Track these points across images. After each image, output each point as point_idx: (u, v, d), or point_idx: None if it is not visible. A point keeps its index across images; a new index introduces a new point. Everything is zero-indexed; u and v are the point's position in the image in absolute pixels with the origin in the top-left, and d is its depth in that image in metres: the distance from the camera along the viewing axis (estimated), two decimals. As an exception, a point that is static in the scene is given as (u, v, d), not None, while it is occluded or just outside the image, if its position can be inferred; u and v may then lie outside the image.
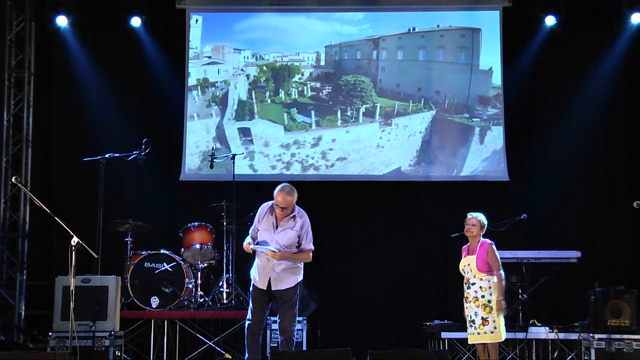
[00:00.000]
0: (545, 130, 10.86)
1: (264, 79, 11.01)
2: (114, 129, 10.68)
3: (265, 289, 7.47)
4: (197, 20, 11.16)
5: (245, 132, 10.88)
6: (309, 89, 10.93)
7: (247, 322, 7.57)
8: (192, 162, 10.81)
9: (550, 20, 10.67)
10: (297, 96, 10.94)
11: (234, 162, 9.61)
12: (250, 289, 7.68)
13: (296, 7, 11.24)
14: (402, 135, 10.66)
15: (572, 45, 10.76)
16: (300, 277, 7.60)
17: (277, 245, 7.39)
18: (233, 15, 11.30)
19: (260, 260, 7.53)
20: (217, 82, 11.05)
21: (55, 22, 10.68)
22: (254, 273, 7.59)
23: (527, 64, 10.88)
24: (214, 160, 9.71)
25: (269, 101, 10.97)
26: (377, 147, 10.74)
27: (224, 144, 10.85)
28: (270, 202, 7.57)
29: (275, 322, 9.02)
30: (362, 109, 10.76)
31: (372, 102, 10.78)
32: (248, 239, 7.57)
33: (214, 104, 11.01)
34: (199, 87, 11.05)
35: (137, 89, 11.07)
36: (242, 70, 11.01)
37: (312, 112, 10.81)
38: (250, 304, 7.60)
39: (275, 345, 8.85)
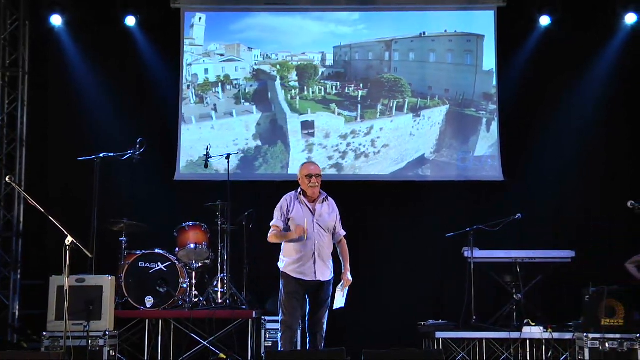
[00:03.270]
0: (542, 130, 10.92)
1: (279, 76, 11.18)
2: (109, 128, 10.71)
3: (308, 279, 7.33)
4: (200, 19, 11.24)
5: (307, 125, 11.12)
6: (332, 87, 11.18)
7: (280, 329, 7.44)
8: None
9: (545, 20, 10.74)
10: (324, 94, 11.17)
11: (228, 162, 9.65)
12: (282, 285, 7.47)
13: (294, 6, 11.36)
14: (427, 126, 11.15)
15: (568, 45, 10.81)
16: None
17: (318, 229, 7.37)
18: (231, 14, 11.39)
19: (300, 250, 7.36)
20: (238, 79, 11.18)
21: (50, 21, 10.72)
22: (290, 268, 7.41)
23: (522, 63, 10.96)
24: (209, 159, 9.76)
25: (297, 99, 11.15)
26: (410, 135, 11.15)
27: (280, 139, 11.08)
28: (292, 193, 7.52)
29: (270, 321, 9.12)
30: (395, 103, 11.13)
31: (404, 97, 11.11)
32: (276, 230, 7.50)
33: (244, 100, 11.11)
34: (219, 84, 11.15)
35: (132, 88, 11.10)
36: (256, 68, 11.18)
37: (359, 106, 11.14)
38: (286, 302, 7.39)
39: (270, 344, 8.93)
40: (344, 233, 7.62)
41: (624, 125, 10.91)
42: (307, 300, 7.49)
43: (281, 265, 7.50)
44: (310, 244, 7.35)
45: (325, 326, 7.47)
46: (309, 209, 7.42)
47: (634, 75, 10.85)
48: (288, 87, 11.16)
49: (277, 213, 7.51)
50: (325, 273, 7.41)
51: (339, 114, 11.11)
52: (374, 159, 11.09)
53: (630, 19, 10.57)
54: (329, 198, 7.57)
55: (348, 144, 11.09)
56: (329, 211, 7.48)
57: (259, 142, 11.06)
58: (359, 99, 11.13)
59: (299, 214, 7.41)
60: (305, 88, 11.16)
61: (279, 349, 7.50)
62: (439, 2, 11.24)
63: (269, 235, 7.53)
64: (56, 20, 10.71)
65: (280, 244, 7.54)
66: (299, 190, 7.49)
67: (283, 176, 10.71)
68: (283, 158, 11.02)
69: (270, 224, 7.54)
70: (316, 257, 7.35)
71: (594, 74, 10.86)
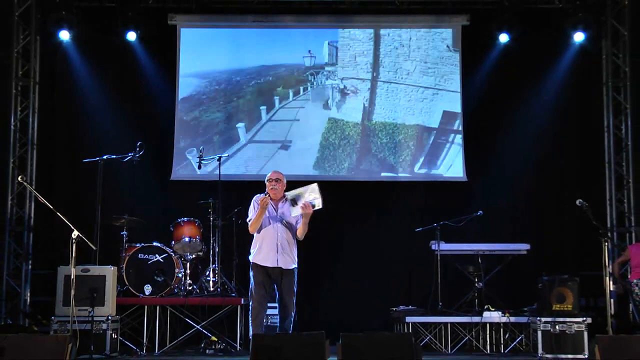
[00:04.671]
0: (501, 135, 10.98)
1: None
2: (111, 133, 10.73)
3: (271, 266, 7.53)
4: (197, 34, 11.36)
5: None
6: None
7: (250, 312, 7.59)
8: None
9: (504, 38, 10.80)
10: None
11: (219, 164, 9.70)
12: (252, 275, 7.64)
13: (278, 23, 11.36)
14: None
15: (524, 59, 10.91)
16: (296, 264, 7.71)
17: (279, 224, 7.57)
18: (223, 30, 11.42)
19: (264, 240, 7.59)
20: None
21: (58, 36, 10.69)
22: (256, 257, 7.62)
23: (483, 76, 11.02)
24: (202, 161, 9.80)
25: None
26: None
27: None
28: (261, 194, 7.70)
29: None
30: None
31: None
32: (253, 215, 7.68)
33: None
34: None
35: (132, 96, 11.08)
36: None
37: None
38: (254, 290, 7.58)
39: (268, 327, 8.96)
40: None
41: (574, 131, 11.02)
42: (275, 288, 7.68)
43: (250, 257, 7.71)
44: (273, 237, 7.58)
45: (293, 311, 7.64)
46: (273, 207, 7.65)
47: (581, 86, 10.99)
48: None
49: (251, 211, 7.71)
50: (286, 262, 7.59)
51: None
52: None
53: (578, 37, 10.65)
54: None
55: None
56: (288, 208, 7.66)
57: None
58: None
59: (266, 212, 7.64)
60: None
61: (250, 332, 7.61)
62: (410, 21, 11.28)
63: (249, 228, 7.68)
64: (64, 35, 10.68)
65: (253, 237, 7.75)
66: (266, 192, 7.72)
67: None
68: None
69: (247, 220, 7.71)
70: (278, 248, 7.56)
71: (548, 85, 10.98)
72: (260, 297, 7.56)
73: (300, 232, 7.63)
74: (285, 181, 7.79)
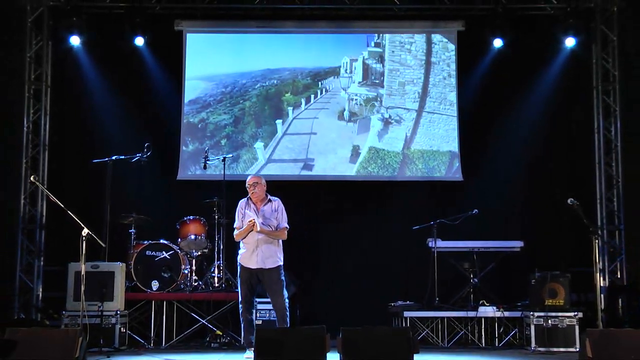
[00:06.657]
0: (495, 137, 10.93)
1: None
2: (119, 134, 10.70)
3: (253, 267, 7.72)
4: (202, 39, 11.32)
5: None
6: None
7: (240, 306, 7.85)
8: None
9: (497, 43, 10.77)
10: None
11: (224, 164, 9.69)
12: (239, 274, 7.90)
13: (280, 29, 11.29)
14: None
15: (517, 64, 10.87)
16: (281, 262, 7.86)
17: (260, 225, 7.72)
18: (227, 35, 11.37)
19: (246, 244, 7.80)
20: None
21: (69, 41, 10.66)
22: (241, 258, 7.85)
23: (478, 81, 10.98)
24: (207, 162, 9.80)
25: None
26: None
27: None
28: (245, 198, 7.96)
29: (260, 302, 9.12)
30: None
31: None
32: (237, 230, 7.93)
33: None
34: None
35: (140, 99, 11.05)
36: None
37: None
38: (241, 289, 7.85)
39: (260, 322, 8.94)
40: (286, 226, 7.94)
41: (563, 133, 10.98)
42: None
43: (238, 256, 7.90)
44: (253, 240, 7.77)
45: (284, 303, 7.77)
46: (255, 210, 7.85)
47: (572, 90, 10.96)
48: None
49: (236, 218, 7.99)
50: (267, 262, 7.77)
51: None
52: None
53: (569, 42, 10.61)
54: (274, 199, 8.00)
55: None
56: (271, 210, 7.90)
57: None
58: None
59: (249, 214, 7.84)
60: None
61: (241, 323, 7.87)
62: (407, 27, 11.27)
63: (234, 235, 7.97)
64: (74, 40, 10.65)
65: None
66: (249, 197, 7.98)
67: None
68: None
69: (234, 227, 7.98)
70: (258, 249, 7.74)
71: (539, 88, 10.92)
72: (246, 295, 7.82)
73: (276, 236, 7.83)
74: (264, 182, 7.99)
